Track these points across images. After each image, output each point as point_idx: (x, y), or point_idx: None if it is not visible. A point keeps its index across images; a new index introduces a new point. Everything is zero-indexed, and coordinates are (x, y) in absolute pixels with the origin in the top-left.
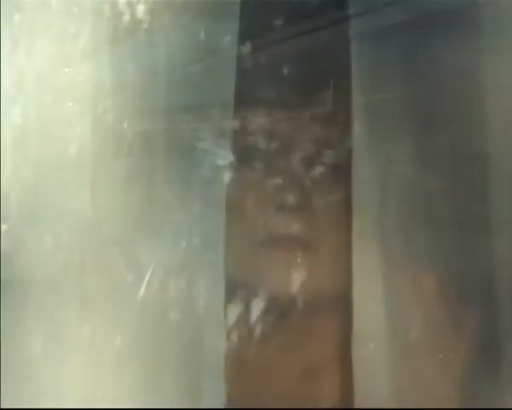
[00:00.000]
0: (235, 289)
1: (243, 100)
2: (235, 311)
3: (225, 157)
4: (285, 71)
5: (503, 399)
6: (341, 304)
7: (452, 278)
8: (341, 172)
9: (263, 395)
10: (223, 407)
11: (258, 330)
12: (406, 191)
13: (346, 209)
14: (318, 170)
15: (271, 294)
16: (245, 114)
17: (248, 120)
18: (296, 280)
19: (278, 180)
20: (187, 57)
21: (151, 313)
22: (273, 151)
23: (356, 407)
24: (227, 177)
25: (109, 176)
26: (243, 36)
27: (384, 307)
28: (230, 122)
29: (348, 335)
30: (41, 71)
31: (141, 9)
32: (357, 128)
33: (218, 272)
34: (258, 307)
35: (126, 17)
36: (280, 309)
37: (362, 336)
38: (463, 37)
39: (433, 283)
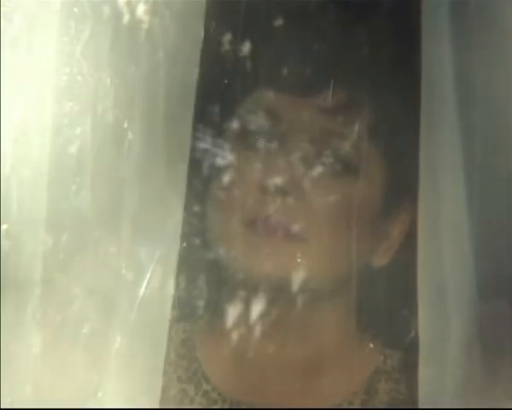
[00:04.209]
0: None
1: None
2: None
3: (225, 157)
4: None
5: None
6: (333, 296)
7: None
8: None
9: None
10: (221, 407)
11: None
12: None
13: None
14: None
15: (256, 274)
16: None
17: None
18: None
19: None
20: (187, 57)
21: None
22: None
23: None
24: (227, 177)
25: (109, 176)
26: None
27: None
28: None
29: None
30: (41, 71)
31: (141, 9)
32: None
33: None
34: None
35: (126, 17)
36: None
37: None
38: None
39: None
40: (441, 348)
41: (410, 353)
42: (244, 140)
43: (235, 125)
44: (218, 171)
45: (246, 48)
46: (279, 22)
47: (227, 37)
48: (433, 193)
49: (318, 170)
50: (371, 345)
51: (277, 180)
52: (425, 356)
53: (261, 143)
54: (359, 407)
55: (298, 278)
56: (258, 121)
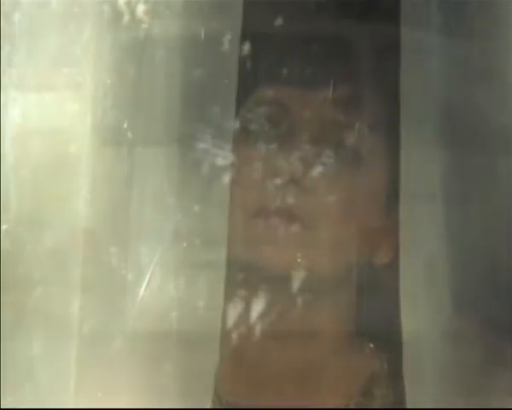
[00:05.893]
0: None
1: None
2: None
3: (225, 157)
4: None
5: None
6: (334, 294)
7: None
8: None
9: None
10: (221, 407)
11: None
12: None
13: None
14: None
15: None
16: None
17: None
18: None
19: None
20: (187, 57)
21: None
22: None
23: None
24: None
25: (109, 176)
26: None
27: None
28: (230, 122)
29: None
30: (41, 71)
31: (141, 9)
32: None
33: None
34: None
35: (126, 17)
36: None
37: None
38: None
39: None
40: (424, 351)
41: (400, 356)
42: (249, 135)
43: (239, 121)
44: (221, 167)
45: (246, 47)
46: (279, 22)
47: (227, 37)
48: (413, 198)
49: (325, 162)
50: (371, 345)
51: (283, 172)
52: (410, 359)
53: (267, 136)
54: (359, 407)
55: (300, 273)
56: (264, 115)
